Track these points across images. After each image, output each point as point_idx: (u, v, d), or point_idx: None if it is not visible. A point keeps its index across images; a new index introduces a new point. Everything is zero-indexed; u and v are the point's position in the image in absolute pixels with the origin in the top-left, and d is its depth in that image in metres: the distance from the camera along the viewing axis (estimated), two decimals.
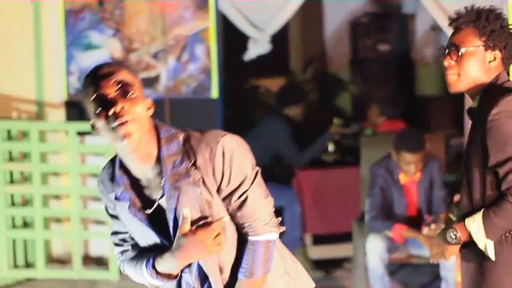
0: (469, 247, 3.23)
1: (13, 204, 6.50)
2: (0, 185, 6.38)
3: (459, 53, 3.20)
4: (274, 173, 7.02)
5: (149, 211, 2.75)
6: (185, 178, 2.68)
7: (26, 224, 6.61)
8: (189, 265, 2.77)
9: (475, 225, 3.14)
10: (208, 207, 2.70)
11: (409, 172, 5.65)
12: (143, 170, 2.73)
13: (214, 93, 6.40)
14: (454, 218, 3.40)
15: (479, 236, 3.14)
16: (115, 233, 2.91)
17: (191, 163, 2.69)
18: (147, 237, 2.79)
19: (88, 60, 6.45)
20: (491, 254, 3.16)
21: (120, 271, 3.08)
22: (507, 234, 3.14)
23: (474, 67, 3.20)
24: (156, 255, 2.76)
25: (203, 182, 2.69)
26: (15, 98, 6.57)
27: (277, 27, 6.46)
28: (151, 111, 2.71)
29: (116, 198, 2.77)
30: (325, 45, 9.89)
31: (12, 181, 6.49)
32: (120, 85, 2.64)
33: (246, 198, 2.73)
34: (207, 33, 6.36)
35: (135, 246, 2.87)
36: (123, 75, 2.66)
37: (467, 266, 3.27)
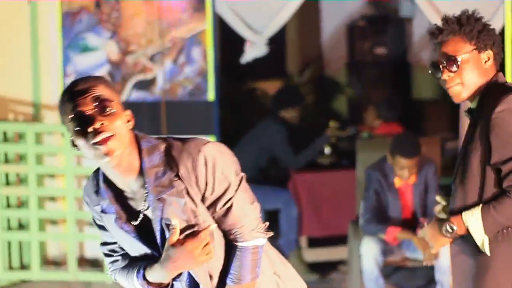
0: (463, 241, 3.24)
1: (8, 206, 6.50)
2: None
3: (457, 63, 3.22)
4: (270, 175, 7.04)
5: (135, 223, 2.73)
6: (168, 189, 2.66)
7: (21, 226, 6.60)
8: (179, 274, 2.75)
9: (473, 219, 3.16)
10: (193, 216, 2.69)
11: (403, 176, 5.66)
12: (127, 183, 2.71)
13: (211, 95, 6.40)
14: (444, 216, 3.41)
15: (477, 231, 3.16)
16: (104, 243, 2.90)
17: (174, 174, 2.66)
18: (136, 247, 2.78)
19: (85, 62, 6.44)
20: (487, 249, 3.17)
21: None
22: (504, 231, 3.16)
23: (474, 72, 3.23)
24: (146, 265, 2.74)
25: (187, 192, 2.67)
26: (11, 99, 6.57)
27: (274, 29, 6.45)
28: (131, 124, 2.68)
29: (102, 211, 2.76)
30: (322, 48, 9.88)
31: (7, 183, 6.49)
32: (97, 101, 2.61)
33: (232, 205, 2.72)
34: (204, 35, 6.36)
35: (125, 255, 2.86)
36: (101, 90, 2.63)
37: (461, 261, 3.27)
